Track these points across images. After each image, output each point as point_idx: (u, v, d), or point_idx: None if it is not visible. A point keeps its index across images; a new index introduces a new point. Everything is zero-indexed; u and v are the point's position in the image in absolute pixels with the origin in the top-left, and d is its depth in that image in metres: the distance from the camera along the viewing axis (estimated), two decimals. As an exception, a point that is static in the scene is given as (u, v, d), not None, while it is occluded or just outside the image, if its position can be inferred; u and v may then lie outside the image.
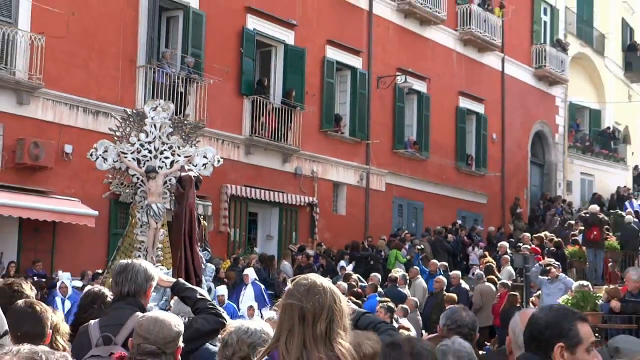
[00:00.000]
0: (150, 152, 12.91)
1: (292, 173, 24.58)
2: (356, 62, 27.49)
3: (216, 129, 22.31)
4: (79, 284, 15.85)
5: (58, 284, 14.90)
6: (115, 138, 13.23)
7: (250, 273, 17.16)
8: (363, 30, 27.74)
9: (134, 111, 13.45)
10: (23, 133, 18.41)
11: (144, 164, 12.83)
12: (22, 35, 18.60)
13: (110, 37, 20.44)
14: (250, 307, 14.87)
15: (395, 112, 28.90)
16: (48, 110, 19.04)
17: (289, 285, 3.52)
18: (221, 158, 14.19)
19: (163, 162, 12.93)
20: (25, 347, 1.89)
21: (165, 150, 12.96)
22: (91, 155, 13.11)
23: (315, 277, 3.44)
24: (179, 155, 13.05)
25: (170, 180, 13.08)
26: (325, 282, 3.44)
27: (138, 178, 12.94)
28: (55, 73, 18.98)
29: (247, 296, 16.30)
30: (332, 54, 26.64)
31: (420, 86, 29.88)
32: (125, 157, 12.87)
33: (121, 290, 4.80)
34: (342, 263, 21.47)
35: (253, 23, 23.99)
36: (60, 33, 19.12)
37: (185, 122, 15.06)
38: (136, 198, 13.00)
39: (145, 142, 12.91)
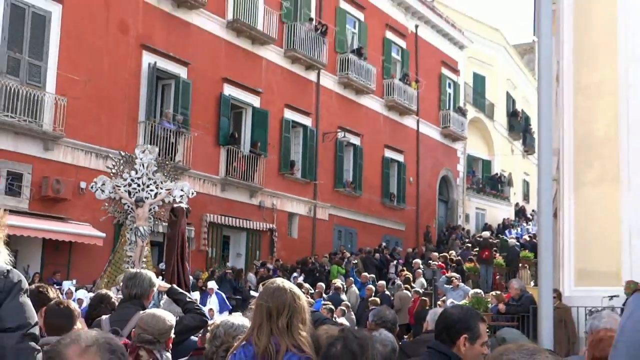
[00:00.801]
0: (138, 185, 13.02)
1: (257, 205, 24.54)
2: (307, 121, 27.55)
3: (199, 171, 22.24)
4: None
5: (65, 290, 14.73)
6: (112, 174, 13.31)
7: (212, 285, 16.92)
8: (312, 97, 27.85)
9: (127, 153, 13.54)
10: (48, 172, 18.27)
11: (134, 195, 12.95)
12: (48, 97, 18.49)
13: (118, 98, 20.32)
14: (211, 309, 14.70)
15: (336, 159, 29.00)
16: (67, 155, 18.88)
17: (260, 287, 3.55)
18: (195, 191, 14.32)
19: (149, 193, 13.07)
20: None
21: (150, 184, 13.08)
22: (92, 187, 13.22)
23: (279, 281, 3.44)
24: (161, 189, 13.17)
25: (154, 207, 13.20)
26: (287, 284, 3.41)
27: (129, 206, 13.03)
28: (74, 126, 18.79)
29: (212, 302, 16.16)
30: (289, 114, 26.66)
31: (355, 140, 29.95)
32: (119, 189, 12.93)
33: (129, 293, 4.85)
34: (295, 275, 21.47)
35: (228, 90, 23.95)
36: (79, 95, 19.04)
37: (167, 162, 15.19)
38: (126, 222, 13.05)
39: (135, 178, 13.04)
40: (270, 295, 3.29)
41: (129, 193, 12.99)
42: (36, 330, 2.47)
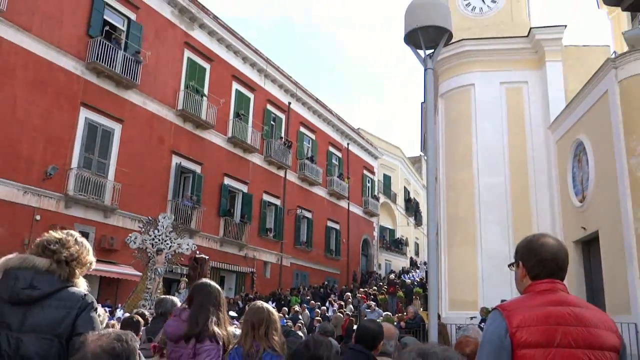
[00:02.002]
0: (159, 240, 12.91)
1: (243, 256, 24.22)
2: (277, 201, 27.45)
3: (206, 233, 21.96)
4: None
5: (116, 314, 14.08)
6: (141, 231, 13.14)
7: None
8: (281, 186, 27.80)
9: (152, 218, 13.59)
10: (105, 232, 17.86)
11: (155, 246, 12.82)
12: (109, 183, 18.23)
13: (154, 185, 20.14)
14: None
15: (296, 227, 28.81)
16: (120, 221, 18.50)
17: (247, 308, 3.47)
18: (196, 245, 14.05)
19: (165, 245, 12.97)
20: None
21: (167, 239, 12.97)
22: (127, 240, 13.07)
23: (259, 303, 3.36)
24: (174, 243, 13.06)
25: (168, 255, 13.02)
26: (265, 305, 3.33)
27: (151, 253, 12.82)
28: (125, 202, 18.49)
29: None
30: (266, 197, 26.57)
31: (308, 215, 29.93)
32: (145, 242, 12.79)
33: (158, 312, 4.81)
34: (269, 302, 21.14)
35: (227, 181, 23.89)
36: (129, 182, 18.86)
37: (179, 225, 15.20)
38: (149, 264, 12.71)
39: (157, 235, 12.92)
40: (253, 313, 3.22)
41: (152, 245, 12.88)
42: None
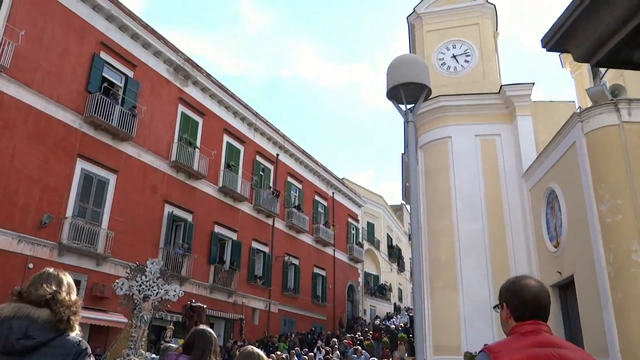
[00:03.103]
0: (146, 286, 12.38)
1: (232, 303, 23.73)
2: (266, 248, 27.11)
3: (196, 280, 21.53)
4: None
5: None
6: (128, 277, 12.84)
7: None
8: (269, 234, 27.55)
9: (139, 264, 13.11)
10: (97, 280, 17.41)
11: (142, 292, 12.35)
12: (102, 231, 17.90)
13: (147, 232, 19.88)
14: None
15: (284, 273, 28.37)
16: (112, 269, 18.05)
17: (238, 353, 3.38)
18: (183, 292, 13.32)
19: (152, 292, 12.53)
20: None
21: (154, 285, 12.36)
22: (114, 286, 12.60)
23: (250, 348, 3.29)
24: (161, 289, 12.57)
25: (154, 302, 11.94)
26: (255, 350, 3.26)
27: (138, 300, 12.40)
28: (118, 249, 18.15)
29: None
30: (255, 244, 26.27)
31: (295, 261, 29.57)
32: (132, 288, 12.35)
33: (161, 358, 4.63)
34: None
35: (217, 229, 23.66)
36: (122, 230, 18.59)
37: (167, 271, 14.68)
38: (135, 311, 11.69)
39: (144, 281, 12.30)
40: (244, 358, 3.16)
41: (139, 291, 12.52)
42: None
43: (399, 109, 6.13)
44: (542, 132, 15.24)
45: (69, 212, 17.04)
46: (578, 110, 12.71)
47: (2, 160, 15.26)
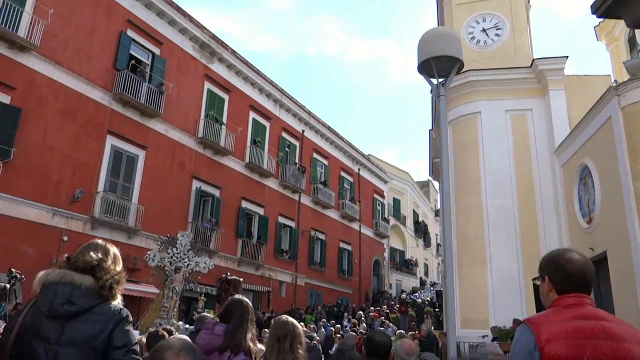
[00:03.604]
0: (177, 258, 12.18)
1: (260, 276, 24.10)
2: (292, 223, 27.35)
3: (224, 253, 21.90)
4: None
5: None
6: (160, 249, 12.39)
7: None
8: (295, 209, 27.77)
9: (171, 236, 13.01)
10: (129, 253, 17.81)
11: (173, 264, 12.14)
12: (133, 206, 18.34)
13: (176, 207, 20.22)
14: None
15: (310, 248, 28.67)
16: (143, 242, 18.50)
17: (272, 322, 3.41)
18: (213, 264, 13.08)
19: (183, 264, 12.25)
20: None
21: (184, 258, 12.22)
22: (146, 257, 12.30)
23: (284, 317, 3.29)
24: (191, 261, 12.36)
25: (185, 274, 12.33)
26: (290, 319, 3.26)
27: (169, 271, 12.14)
28: (148, 224, 18.57)
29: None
30: (281, 219, 26.52)
31: (322, 236, 29.78)
32: (164, 260, 12.07)
33: (198, 328, 4.72)
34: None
35: (245, 204, 23.91)
36: (152, 205, 19.04)
37: (197, 243, 14.44)
38: (166, 282, 11.98)
39: (175, 253, 12.19)
40: (278, 327, 3.18)
41: (170, 263, 12.20)
42: (136, 348, 2.37)
43: (431, 83, 6.04)
44: (576, 107, 14.84)
45: (101, 187, 17.43)
46: (614, 84, 12.31)
47: (36, 137, 15.63)
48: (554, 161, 14.97)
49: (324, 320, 20.59)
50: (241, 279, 9.89)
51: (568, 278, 2.22)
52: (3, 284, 9.41)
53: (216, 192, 22.31)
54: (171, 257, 12.39)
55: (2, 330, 2.31)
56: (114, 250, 2.55)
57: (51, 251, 15.45)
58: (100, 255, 2.43)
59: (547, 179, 14.95)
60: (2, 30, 14.67)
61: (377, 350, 3.30)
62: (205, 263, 12.78)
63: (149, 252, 12.85)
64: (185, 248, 12.66)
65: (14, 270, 10.28)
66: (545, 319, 2.16)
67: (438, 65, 5.78)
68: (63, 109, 16.51)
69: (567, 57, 15.75)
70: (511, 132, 15.66)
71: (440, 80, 5.84)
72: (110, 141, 17.98)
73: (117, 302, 2.46)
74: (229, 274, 9.33)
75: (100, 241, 2.57)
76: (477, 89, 16.17)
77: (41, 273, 2.41)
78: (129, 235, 18.08)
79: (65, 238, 15.96)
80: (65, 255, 2.48)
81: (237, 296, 3.44)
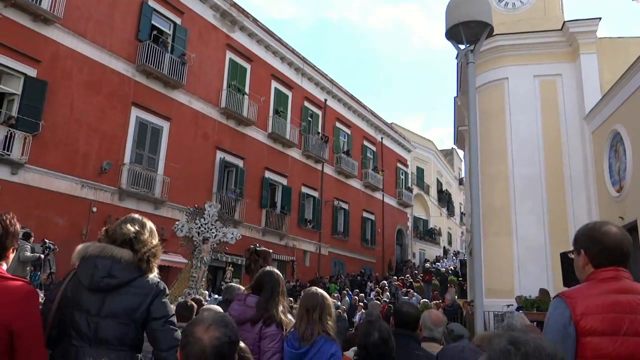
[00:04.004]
0: (205, 228, 12.15)
1: (284, 245, 24.37)
2: (315, 193, 27.47)
3: (249, 223, 22.18)
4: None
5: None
6: (188, 220, 12.37)
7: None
8: (319, 179, 27.81)
9: (199, 207, 12.98)
10: (156, 223, 17.75)
11: (201, 234, 12.11)
12: (159, 177, 18.63)
13: (201, 178, 20.45)
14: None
15: (333, 217, 28.79)
16: (169, 212, 18.80)
17: (302, 293, 3.39)
18: (241, 235, 13.21)
19: (211, 234, 12.24)
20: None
21: (212, 228, 12.17)
22: (174, 228, 12.27)
23: (314, 289, 3.28)
24: (219, 232, 12.31)
25: (213, 244, 12.29)
26: (320, 290, 3.25)
27: (197, 242, 12.11)
28: (174, 195, 18.87)
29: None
30: (304, 189, 26.63)
31: (345, 206, 29.83)
32: (192, 230, 12.02)
33: (225, 298, 4.81)
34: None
35: (268, 174, 24.04)
36: (177, 176, 19.25)
37: (225, 214, 14.19)
38: (195, 252, 11.95)
39: (203, 224, 12.15)
40: (308, 298, 3.17)
41: (198, 233, 12.15)
42: (174, 319, 2.45)
43: (459, 50, 5.89)
44: (608, 71, 14.34)
45: (127, 158, 17.68)
46: (650, 46, 11.82)
47: (63, 110, 15.85)
48: (583, 128, 14.59)
49: (347, 289, 20.83)
50: (270, 250, 9.81)
51: (605, 251, 2.17)
52: (38, 254, 9.71)
53: (240, 163, 22.44)
54: (199, 228, 12.35)
55: (42, 300, 2.38)
56: (150, 224, 2.60)
57: (81, 222, 15.86)
58: (137, 228, 2.47)
59: (576, 146, 14.61)
60: (26, 3, 14.74)
61: (404, 321, 3.31)
62: (232, 234, 12.67)
63: (177, 223, 12.77)
64: (213, 218, 12.60)
65: (47, 241, 10.59)
66: (581, 293, 2.13)
67: (467, 30, 5.62)
68: (88, 82, 16.65)
69: (600, 18, 15.15)
70: (540, 98, 15.27)
71: (468, 46, 5.69)
72: (135, 113, 18.14)
73: (154, 275, 2.52)
74: (257, 245, 9.27)
75: (136, 215, 2.61)
76: (505, 54, 15.73)
77: (80, 246, 2.46)
78: (155, 206, 18.40)
79: (94, 209, 16.33)
80: (104, 228, 2.53)
81: (268, 268, 3.47)
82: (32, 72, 15.13)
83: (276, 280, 3.29)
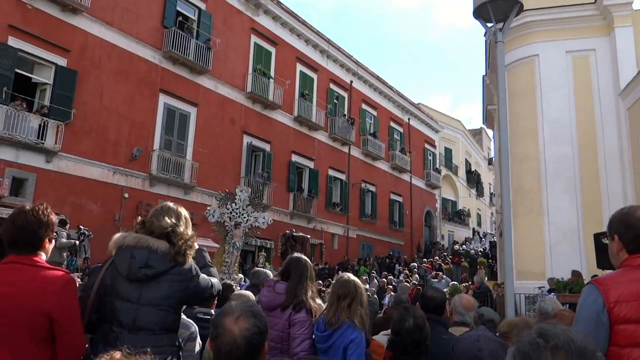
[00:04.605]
0: (236, 213, 12.01)
1: (312, 228, 24.39)
2: (342, 176, 27.44)
3: (276, 207, 22.30)
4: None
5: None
6: (219, 205, 12.26)
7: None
8: (345, 161, 27.73)
9: (230, 192, 12.95)
10: (186, 208, 18.19)
11: (233, 219, 11.99)
12: (187, 162, 18.87)
13: (229, 162, 20.66)
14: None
15: (361, 200, 28.75)
16: (198, 197, 19.11)
17: (335, 279, 3.38)
18: (272, 220, 13.05)
19: (242, 219, 12.08)
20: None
21: (244, 213, 12.04)
22: (206, 213, 12.17)
23: (346, 276, 3.24)
24: (251, 217, 12.15)
25: (245, 229, 12.12)
26: (352, 278, 3.21)
27: (229, 227, 11.96)
28: (203, 180, 19.12)
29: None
30: (331, 172, 26.61)
31: (372, 188, 29.71)
32: (224, 215, 11.88)
33: (253, 282, 4.86)
34: (339, 272, 21.26)
35: (295, 158, 24.10)
36: (206, 161, 19.48)
37: (256, 199, 14.06)
38: (227, 238, 11.81)
39: (234, 209, 12.02)
40: (340, 285, 3.16)
41: (230, 218, 12.01)
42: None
43: (487, 29, 5.74)
44: (645, 45, 13.80)
45: (156, 145, 17.96)
46: (690, 18, 11.30)
47: (93, 98, 16.15)
48: (619, 105, 14.13)
49: (375, 271, 20.86)
50: (309, 236, 9.58)
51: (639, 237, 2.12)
52: (73, 241, 10.01)
53: (266, 147, 22.55)
54: (230, 213, 12.22)
55: (79, 286, 2.46)
56: (184, 213, 2.63)
57: (114, 208, 16.24)
58: (174, 220, 2.51)
59: (611, 124, 14.17)
60: (54, -7, 14.98)
61: (430, 305, 3.31)
62: (264, 218, 12.52)
63: (208, 208, 12.73)
64: (244, 203, 12.46)
65: (82, 227, 10.91)
66: (614, 280, 2.09)
67: (495, 8, 5.47)
68: (116, 70, 16.90)
69: (637, -10, 14.53)
70: (572, 74, 14.82)
71: (497, 25, 5.55)
72: (163, 99, 18.36)
73: (189, 264, 2.56)
74: (294, 230, 9.18)
75: (172, 204, 2.63)
76: (535, 30, 15.28)
77: (117, 235, 2.52)
78: (185, 191, 18.69)
79: (126, 195, 16.69)
80: (140, 218, 2.57)
81: (295, 254, 3.48)
82: (62, 62, 15.42)
83: (304, 266, 3.31)
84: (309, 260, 3.42)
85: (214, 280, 2.67)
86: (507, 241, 4.62)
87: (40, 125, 14.58)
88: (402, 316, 2.90)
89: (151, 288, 2.39)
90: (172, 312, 2.43)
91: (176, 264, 2.46)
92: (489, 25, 5.60)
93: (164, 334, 2.38)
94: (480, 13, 5.53)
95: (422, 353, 2.86)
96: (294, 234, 8.94)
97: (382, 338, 4.05)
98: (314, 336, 3.14)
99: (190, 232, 2.56)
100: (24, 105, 14.42)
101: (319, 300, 3.49)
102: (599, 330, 2.01)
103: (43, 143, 14.56)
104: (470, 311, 3.69)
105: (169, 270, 2.43)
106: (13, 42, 14.27)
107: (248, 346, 1.62)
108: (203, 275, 2.56)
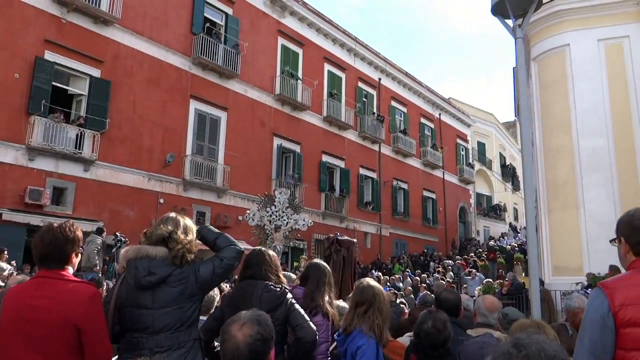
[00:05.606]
0: (276, 216, 11.99)
1: (344, 228, 24.41)
2: (373, 174, 27.38)
3: (308, 207, 22.33)
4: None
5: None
6: (259, 208, 12.31)
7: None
8: (376, 160, 27.70)
9: (269, 194, 12.95)
10: (219, 211, 18.86)
11: (273, 223, 12.00)
12: (219, 166, 19.21)
13: (259, 166, 20.90)
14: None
15: (392, 198, 28.65)
16: (231, 200, 19.48)
17: (356, 285, 3.36)
18: (311, 222, 13.23)
19: (282, 222, 12.03)
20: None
21: (284, 216, 12.02)
22: (246, 217, 12.24)
23: (366, 282, 3.21)
24: (290, 219, 12.15)
25: (285, 232, 12.00)
26: (372, 283, 3.19)
27: (269, 230, 12.00)
28: (235, 183, 19.43)
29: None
30: (362, 171, 26.61)
31: (404, 186, 29.58)
32: (264, 218, 11.91)
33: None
34: (373, 271, 21.30)
35: (325, 158, 24.20)
36: (237, 165, 19.77)
37: (295, 201, 13.79)
38: (267, 242, 11.75)
39: (274, 211, 11.99)
40: (359, 292, 3.16)
41: (270, 221, 12.01)
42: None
43: (506, 26, 5.68)
44: (682, 29, 13.29)
45: (189, 150, 18.35)
46: None
47: (126, 106, 16.64)
48: (656, 93, 13.64)
49: (409, 269, 20.75)
50: (355, 240, 9.25)
51: (646, 239, 2.12)
52: (94, 247, 10.35)
53: (297, 148, 22.73)
54: (270, 216, 12.14)
55: (104, 293, 2.65)
56: (184, 221, 2.77)
57: (150, 213, 16.69)
58: (170, 228, 2.66)
59: (648, 113, 13.69)
60: (86, 5, 15.50)
61: (444, 307, 3.32)
62: (304, 220, 12.39)
63: (248, 212, 12.74)
64: (284, 205, 12.40)
65: (118, 234, 11.28)
66: (620, 283, 2.10)
67: (513, 4, 5.41)
68: (148, 78, 17.36)
69: (672, -28, 13.99)
70: (605, 63, 14.37)
71: (516, 21, 5.48)
72: (194, 105, 18.74)
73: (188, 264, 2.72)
74: (339, 234, 8.98)
75: (172, 214, 2.81)
76: (565, 19, 14.89)
77: (122, 251, 2.72)
78: (218, 194, 19.02)
79: (161, 200, 17.13)
80: (144, 230, 2.75)
81: (315, 260, 3.57)
82: (96, 73, 15.95)
83: (322, 272, 3.39)
84: (327, 266, 3.49)
85: (227, 251, 2.78)
86: (531, 237, 4.58)
87: (77, 135, 15.13)
88: (422, 318, 2.92)
89: (161, 292, 2.56)
90: (187, 307, 2.58)
91: (177, 267, 2.61)
92: (508, 22, 5.54)
93: (182, 330, 2.54)
94: (498, 10, 5.48)
95: (443, 357, 2.84)
96: (339, 237, 8.69)
97: (405, 340, 4.09)
98: (332, 339, 3.21)
99: (189, 238, 2.69)
100: (62, 117, 14.98)
101: (341, 302, 3.56)
102: (605, 334, 2.02)
103: (81, 152, 15.09)
104: (494, 312, 3.65)
105: (171, 274, 2.59)
106: (49, 56, 14.85)
107: (251, 352, 1.69)
108: (205, 265, 2.66)
